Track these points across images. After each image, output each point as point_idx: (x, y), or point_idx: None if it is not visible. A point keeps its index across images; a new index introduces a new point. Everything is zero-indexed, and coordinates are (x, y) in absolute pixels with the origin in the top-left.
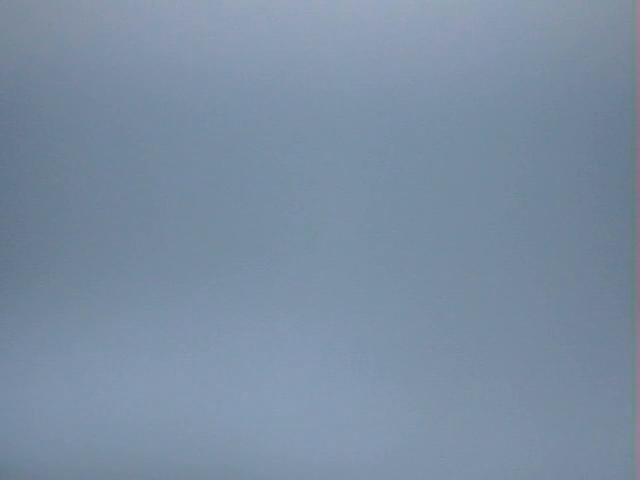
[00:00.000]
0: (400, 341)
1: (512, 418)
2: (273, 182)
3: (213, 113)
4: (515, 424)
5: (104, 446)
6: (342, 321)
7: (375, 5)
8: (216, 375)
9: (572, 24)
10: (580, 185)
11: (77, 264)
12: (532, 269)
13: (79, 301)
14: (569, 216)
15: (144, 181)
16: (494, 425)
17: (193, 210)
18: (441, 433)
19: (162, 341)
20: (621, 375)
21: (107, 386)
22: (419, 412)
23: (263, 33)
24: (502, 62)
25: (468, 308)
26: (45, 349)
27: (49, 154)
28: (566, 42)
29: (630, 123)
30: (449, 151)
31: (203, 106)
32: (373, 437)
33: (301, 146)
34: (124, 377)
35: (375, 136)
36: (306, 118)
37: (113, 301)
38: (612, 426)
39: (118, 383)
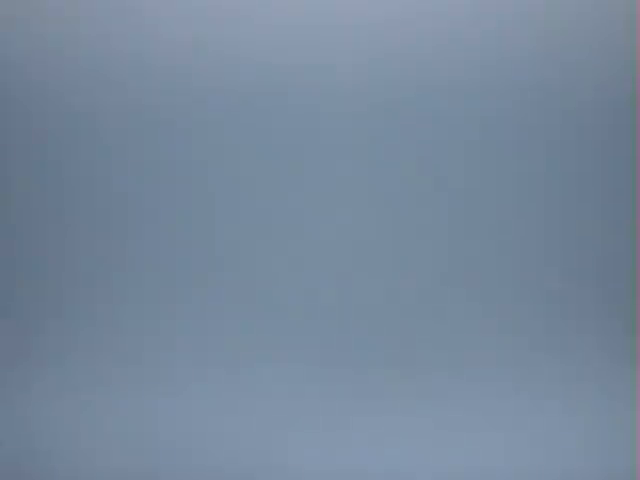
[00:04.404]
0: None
1: (512, 418)
2: (271, 183)
3: (211, 116)
4: (515, 424)
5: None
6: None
7: (374, 5)
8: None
9: (572, 25)
10: (581, 186)
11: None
12: (531, 270)
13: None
14: (569, 217)
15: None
16: (494, 426)
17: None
18: (440, 433)
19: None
20: (621, 375)
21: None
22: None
23: (266, 33)
24: (503, 62)
25: (466, 307)
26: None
27: (44, 155)
28: (566, 43)
29: (631, 123)
30: (447, 153)
31: (199, 108)
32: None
33: (301, 146)
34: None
35: (375, 135)
36: (306, 119)
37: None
38: (612, 426)
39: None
